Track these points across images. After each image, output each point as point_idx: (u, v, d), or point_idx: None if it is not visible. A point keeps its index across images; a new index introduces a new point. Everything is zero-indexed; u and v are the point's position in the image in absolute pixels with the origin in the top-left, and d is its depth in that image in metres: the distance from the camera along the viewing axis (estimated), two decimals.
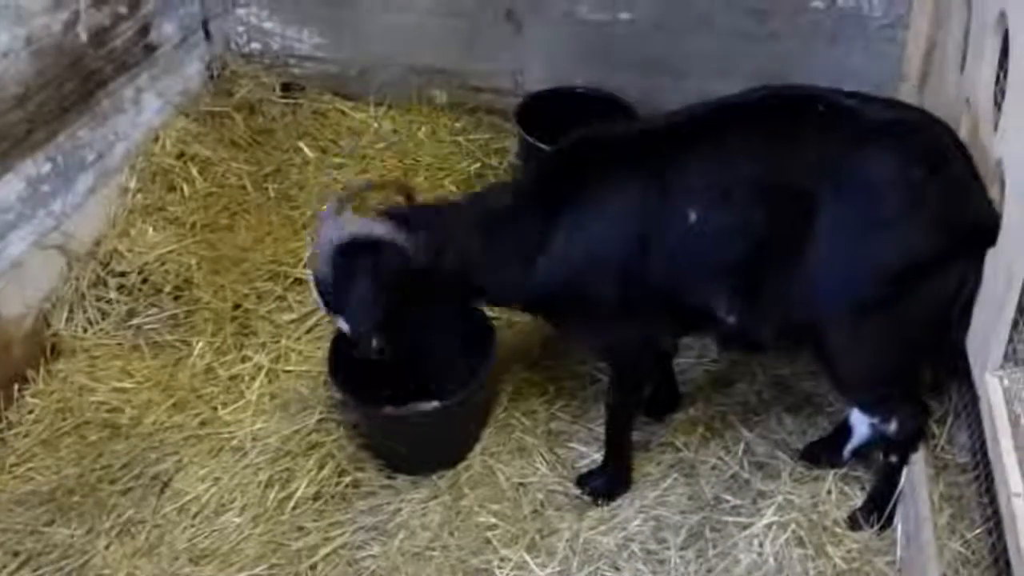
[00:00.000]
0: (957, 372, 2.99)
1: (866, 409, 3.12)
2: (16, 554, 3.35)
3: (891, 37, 4.24)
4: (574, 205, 3.04)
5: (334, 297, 3.04)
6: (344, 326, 3.13)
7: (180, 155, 4.69)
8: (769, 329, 3.01)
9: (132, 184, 4.52)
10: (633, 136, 3.16)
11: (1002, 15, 2.75)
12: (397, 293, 3.02)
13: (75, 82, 4.17)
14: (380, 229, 2.95)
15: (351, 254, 2.95)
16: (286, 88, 5.25)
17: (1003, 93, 2.73)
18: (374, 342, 3.13)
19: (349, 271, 2.97)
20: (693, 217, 2.90)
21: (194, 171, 4.67)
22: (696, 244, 2.93)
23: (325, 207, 3.15)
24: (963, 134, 2.99)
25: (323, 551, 3.31)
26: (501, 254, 3.11)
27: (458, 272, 3.09)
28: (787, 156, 2.84)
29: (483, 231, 3.11)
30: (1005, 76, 2.72)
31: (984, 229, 2.68)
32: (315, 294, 3.09)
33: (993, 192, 2.74)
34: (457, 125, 5.08)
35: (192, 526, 3.43)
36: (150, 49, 4.66)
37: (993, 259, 2.66)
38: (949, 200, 2.74)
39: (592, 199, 3.04)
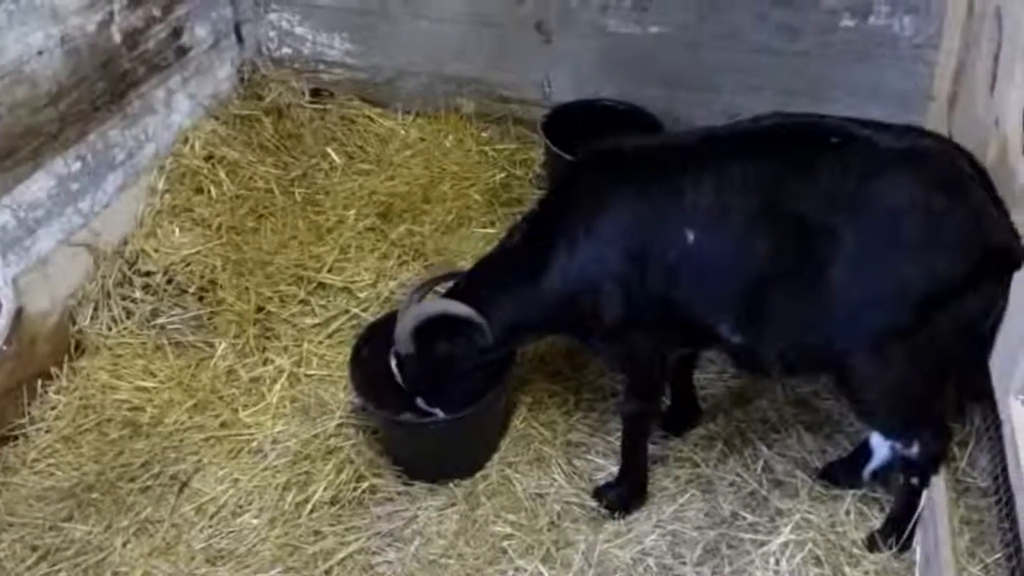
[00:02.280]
0: (981, 395, 2.96)
1: (888, 434, 3.10)
2: (34, 549, 3.38)
3: (921, 57, 4.22)
4: (579, 220, 3.10)
5: (413, 374, 3.36)
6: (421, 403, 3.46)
7: (208, 157, 4.72)
8: (778, 354, 3.00)
9: (160, 185, 4.55)
10: (640, 155, 3.17)
11: None
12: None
13: (107, 82, 4.21)
14: (459, 309, 3.21)
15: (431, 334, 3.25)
16: (315, 93, 5.28)
17: None
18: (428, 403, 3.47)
19: (429, 352, 3.29)
20: (691, 238, 2.92)
21: (222, 173, 4.69)
22: (695, 265, 2.95)
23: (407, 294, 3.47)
24: (991, 155, 2.97)
25: (339, 555, 3.31)
26: (520, 283, 3.23)
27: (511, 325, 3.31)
28: (797, 186, 2.84)
29: (509, 272, 3.29)
30: None
31: (1006, 253, 2.67)
32: (395, 370, 3.38)
33: (1021, 215, 2.72)
34: (484, 135, 5.11)
35: (209, 527, 3.44)
36: (182, 51, 4.70)
37: (1018, 282, 2.64)
38: (968, 226, 2.72)
39: (595, 214, 3.08)
